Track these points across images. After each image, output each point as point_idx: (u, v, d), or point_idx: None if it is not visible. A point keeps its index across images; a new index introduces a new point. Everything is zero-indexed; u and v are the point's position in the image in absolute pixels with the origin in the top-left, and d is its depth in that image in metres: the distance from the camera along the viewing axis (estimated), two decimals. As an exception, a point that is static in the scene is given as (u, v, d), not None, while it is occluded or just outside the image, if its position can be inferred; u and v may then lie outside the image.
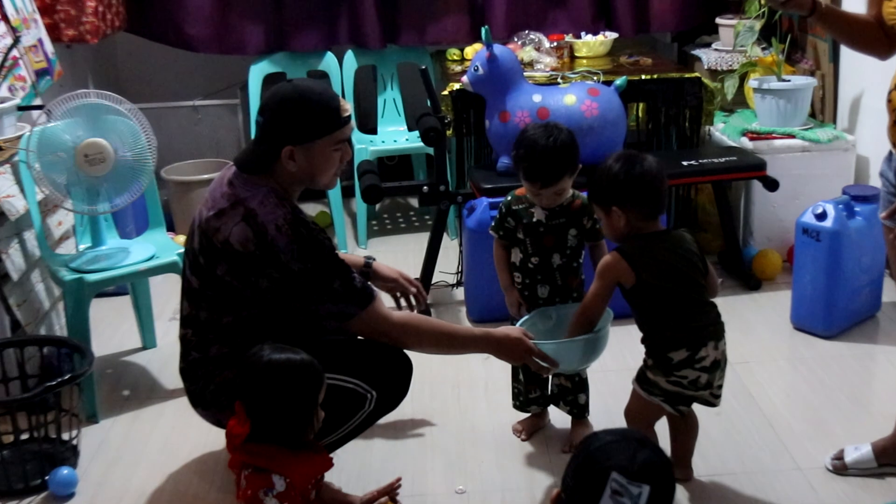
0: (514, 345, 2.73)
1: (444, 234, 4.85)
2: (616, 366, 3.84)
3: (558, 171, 2.93)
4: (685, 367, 2.77)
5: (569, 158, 2.95)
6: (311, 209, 5.94)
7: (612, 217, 2.72)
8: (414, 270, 4.59)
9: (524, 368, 3.20)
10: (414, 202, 6.17)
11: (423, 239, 5.01)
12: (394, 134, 5.71)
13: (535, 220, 2.99)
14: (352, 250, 5.37)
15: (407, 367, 2.80)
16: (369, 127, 5.81)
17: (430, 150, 4.82)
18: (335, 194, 5.44)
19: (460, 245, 4.71)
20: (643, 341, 2.83)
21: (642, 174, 2.68)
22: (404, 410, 3.45)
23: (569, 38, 5.36)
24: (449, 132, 4.53)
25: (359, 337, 2.74)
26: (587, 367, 3.03)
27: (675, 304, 2.70)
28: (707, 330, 2.76)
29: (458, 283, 4.79)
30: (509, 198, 3.08)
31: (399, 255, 5.23)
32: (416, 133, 5.15)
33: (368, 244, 5.51)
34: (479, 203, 4.21)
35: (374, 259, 3.18)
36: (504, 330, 2.76)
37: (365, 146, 5.40)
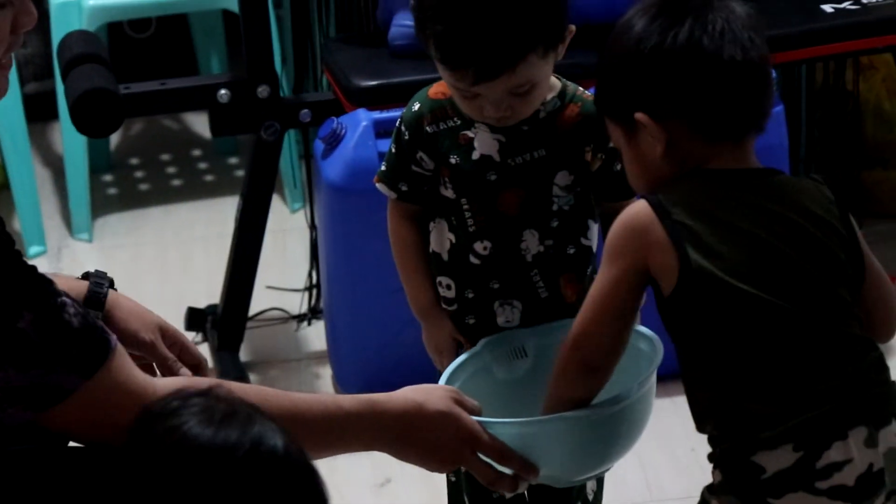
0: (440, 429, 2.00)
1: (276, 203, 3.55)
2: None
3: (515, 42, 2.04)
4: (791, 488, 1.95)
5: (540, 7, 2.06)
6: None
7: (640, 138, 1.97)
8: (205, 287, 3.53)
9: (468, 482, 2.31)
10: (198, 127, 4.63)
11: (222, 214, 3.92)
12: None
13: (476, 155, 2.17)
14: (57, 246, 3.94)
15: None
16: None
17: (232, 4, 3.49)
18: (10, 115, 3.84)
19: (312, 226, 3.39)
20: (700, 426, 2.01)
21: (701, 39, 1.94)
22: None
23: None
24: None
25: (73, 443, 1.97)
26: (602, 472, 2.18)
27: (767, 333, 1.93)
28: (848, 401, 1.95)
29: (312, 313, 3.49)
30: (417, 106, 2.19)
31: (169, 253, 3.95)
32: None
33: (95, 229, 3.97)
34: (351, 123, 3.00)
35: (105, 282, 2.24)
36: (413, 394, 2.01)
37: None
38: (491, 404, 2.09)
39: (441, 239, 2.20)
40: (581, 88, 2.09)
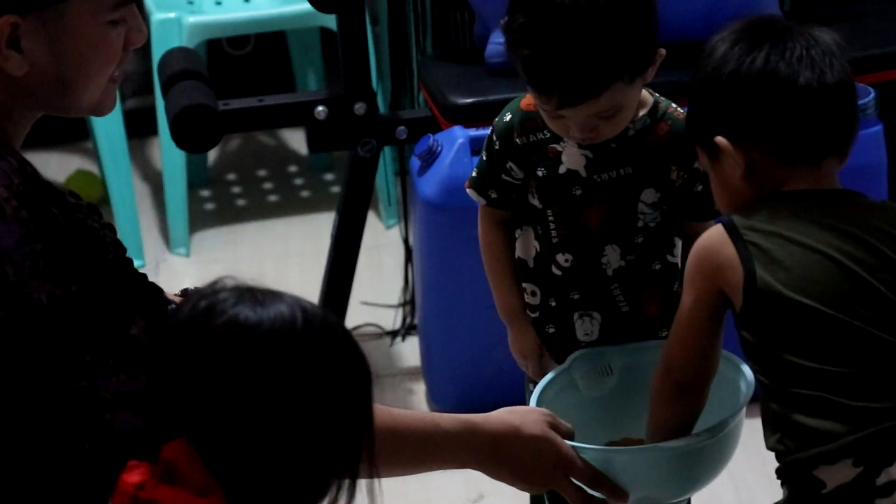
0: (534, 452, 2.05)
1: (370, 219, 3.56)
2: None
3: (600, 70, 2.02)
4: (852, 503, 2.00)
5: (625, 37, 2.03)
6: (58, 167, 4.46)
7: (722, 162, 2.01)
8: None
9: (550, 497, 2.31)
10: (294, 143, 4.64)
11: (318, 229, 3.89)
12: None
13: (563, 169, 2.19)
14: (155, 260, 3.99)
15: None
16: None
17: (331, 22, 3.43)
18: (111, 131, 3.85)
19: (406, 242, 3.44)
20: (767, 442, 2.01)
21: (777, 65, 1.96)
22: None
23: None
24: None
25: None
26: (691, 495, 2.22)
27: (829, 348, 1.97)
28: None
29: (407, 329, 3.50)
30: (508, 116, 2.19)
31: (265, 268, 3.92)
32: None
33: (192, 243, 4.00)
34: (447, 140, 3.02)
35: None
36: (510, 417, 2.06)
37: (177, 15, 3.81)
38: (578, 420, 2.12)
39: (527, 246, 2.22)
40: (674, 105, 2.11)
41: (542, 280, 2.20)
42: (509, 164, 2.16)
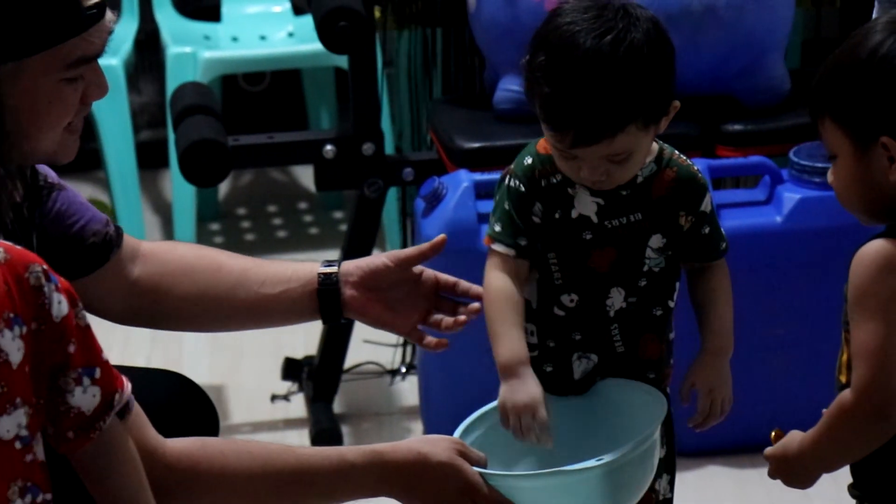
0: (442, 479, 2.06)
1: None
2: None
3: (616, 112, 2.04)
4: None
5: (643, 83, 2.05)
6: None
7: (872, 159, 1.91)
8: (303, 338, 3.43)
9: None
10: (305, 180, 4.56)
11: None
12: (260, 22, 4.21)
13: (574, 214, 2.19)
14: None
15: None
16: (204, 4, 4.37)
17: (343, 61, 3.43)
18: (123, 161, 3.88)
19: None
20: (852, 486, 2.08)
21: None
22: None
23: None
24: (390, 21, 3.52)
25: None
26: None
27: None
28: None
29: (406, 368, 3.46)
30: (529, 160, 2.17)
31: None
32: (311, 21, 3.47)
33: None
34: (453, 183, 3.03)
35: (337, 263, 2.28)
36: (418, 445, 2.09)
37: (193, 50, 3.79)
38: (508, 458, 2.14)
39: (531, 287, 2.20)
40: (678, 152, 2.11)
41: (542, 321, 2.17)
42: (537, 205, 2.14)
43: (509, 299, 2.20)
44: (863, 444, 1.96)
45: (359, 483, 2.09)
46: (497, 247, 2.14)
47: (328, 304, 2.26)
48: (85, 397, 1.68)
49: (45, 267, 1.64)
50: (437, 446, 2.09)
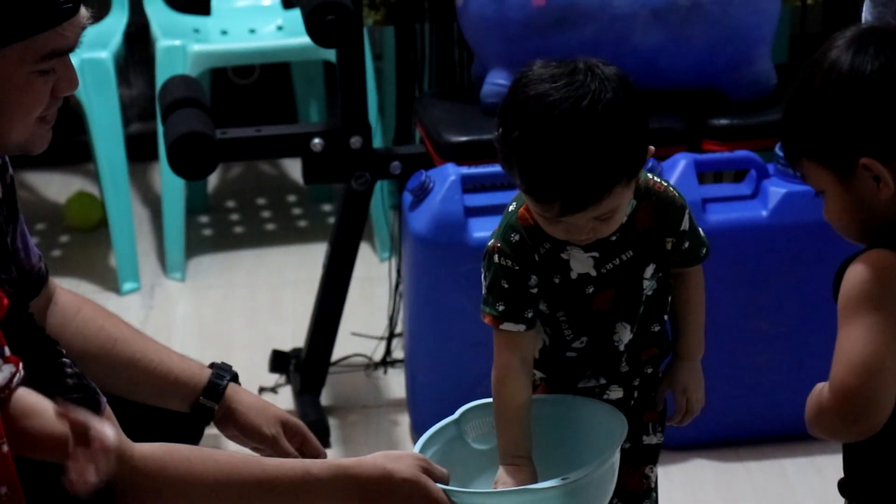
0: (406, 495, 2.04)
1: (366, 252, 3.83)
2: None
3: (600, 179, 1.99)
4: None
5: (625, 143, 1.98)
6: (60, 188, 4.41)
7: (858, 183, 1.86)
8: (290, 330, 3.52)
9: None
10: (294, 173, 4.59)
11: (313, 259, 3.75)
12: (249, 16, 4.16)
13: (574, 275, 2.15)
14: (150, 283, 3.94)
15: None
16: (194, -2, 4.53)
17: (332, 55, 3.43)
18: (113, 154, 3.82)
19: (399, 274, 3.35)
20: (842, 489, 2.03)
21: None
22: None
23: None
24: (375, 15, 3.38)
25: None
26: None
27: None
28: None
29: (389, 361, 3.48)
30: (516, 236, 2.11)
31: (259, 296, 3.91)
32: (299, 15, 3.38)
33: (188, 269, 3.95)
34: (440, 177, 3.01)
35: (227, 374, 2.20)
36: (383, 461, 2.05)
37: (182, 43, 3.75)
38: (466, 472, 2.14)
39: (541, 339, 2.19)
40: (651, 177, 2.12)
41: (551, 366, 2.18)
42: (533, 278, 2.11)
43: (517, 393, 2.18)
44: (838, 439, 1.92)
45: (323, 496, 2.10)
46: (506, 326, 2.11)
47: (198, 415, 2.26)
48: None
49: None
50: (402, 462, 2.10)
